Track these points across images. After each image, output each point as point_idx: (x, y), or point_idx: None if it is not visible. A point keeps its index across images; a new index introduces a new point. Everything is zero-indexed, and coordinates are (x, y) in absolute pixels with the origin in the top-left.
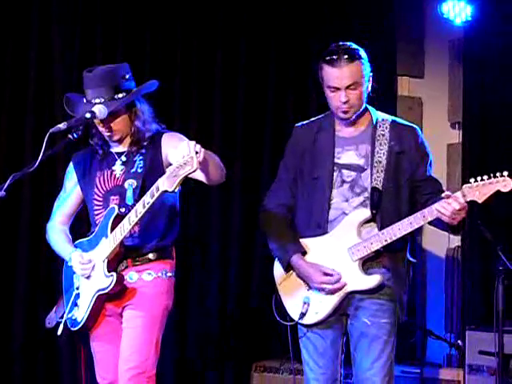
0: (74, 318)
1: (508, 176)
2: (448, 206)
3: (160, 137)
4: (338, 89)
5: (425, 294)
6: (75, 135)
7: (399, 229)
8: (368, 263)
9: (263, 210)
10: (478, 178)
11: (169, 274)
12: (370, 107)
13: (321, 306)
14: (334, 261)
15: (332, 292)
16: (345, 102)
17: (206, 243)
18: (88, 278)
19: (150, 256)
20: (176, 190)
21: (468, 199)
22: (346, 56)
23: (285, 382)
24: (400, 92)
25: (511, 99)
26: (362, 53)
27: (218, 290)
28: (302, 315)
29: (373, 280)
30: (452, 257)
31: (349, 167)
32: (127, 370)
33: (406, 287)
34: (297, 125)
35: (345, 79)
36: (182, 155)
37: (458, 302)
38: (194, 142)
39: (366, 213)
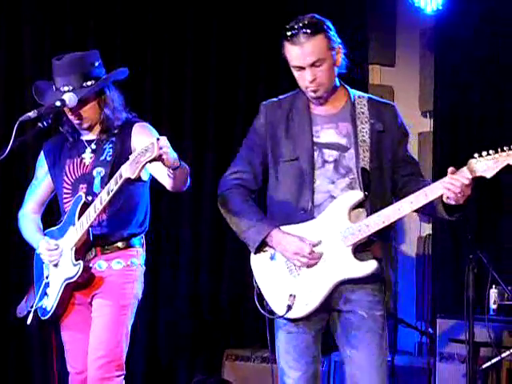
0: (43, 306)
1: None
2: (456, 182)
3: (131, 126)
4: (302, 68)
5: (396, 282)
6: (45, 123)
7: (399, 209)
8: (357, 253)
9: (224, 189)
10: (484, 153)
11: (138, 263)
12: (343, 83)
13: (311, 296)
14: (325, 247)
15: (310, 266)
16: (312, 81)
17: (177, 232)
18: (56, 265)
19: (119, 244)
20: (143, 178)
21: (477, 174)
22: (305, 31)
23: (256, 371)
24: (371, 81)
25: (481, 88)
26: (326, 24)
27: (189, 279)
28: (289, 308)
29: (369, 266)
30: (423, 245)
31: (330, 146)
32: (96, 358)
33: (393, 280)
34: (264, 103)
35: (307, 57)
36: (144, 143)
37: (429, 291)
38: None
39: (359, 195)
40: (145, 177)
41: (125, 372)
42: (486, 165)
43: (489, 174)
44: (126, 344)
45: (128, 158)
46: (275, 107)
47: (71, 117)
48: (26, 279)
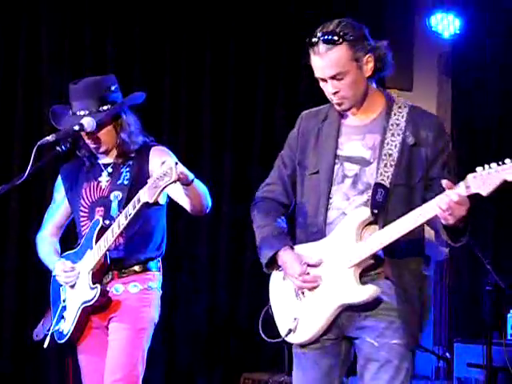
0: (60, 330)
1: None
2: (445, 198)
3: (148, 150)
4: (324, 79)
5: (426, 304)
6: (63, 147)
7: (402, 225)
8: (368, 274)
9: (254, 202)
10: (486, 167)
11: (155, 287)
12: (384, 90)
13: (311, 322)
14: (326, 269)
15: (308, 289)
16: (334, 94)
17: (195, 255)
18: (73, 287)
19: (136, 268)
20: (160, 202)
21: (472, 191)
22: (326, 38)
23: None
24: None
25: (498, 112)
26: (349, 31)
27: (207, 301)
28: (289, 332)
29: (365, 291)
30: (440, 268)
31: (352, 160)
32: (113, 381)
33: (417, 306)
34: (303, 112)
35: (326, 69)
36: (161, 167)
37: (446, 315)
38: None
39: (366, 212)
40: (162, 200)
41: None
42: (482, 180)
43: (484, 192)
44: (143, 367)
45: (146, 182)
46: (311, 117)
47: (88, 141)
48: (44, 302)
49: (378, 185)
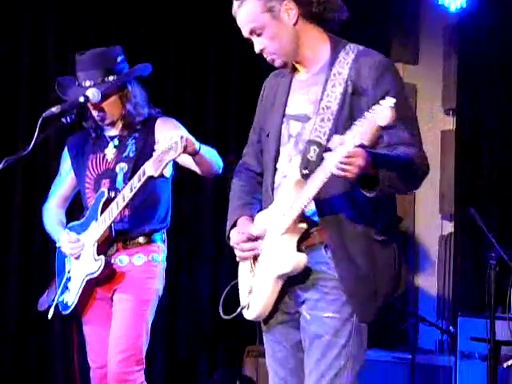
0: (65, 301)
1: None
2: (333, 153)
3: (154, 121)
4: (249, 39)
5: (417, 280)
6: (68, 119)
7: (316, 180)
8: (305, 242)
9: (235, 170)
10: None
11: (159, 259)
12: (333, 37)
13: (258, 297)
14: (269, 237)
15: (246, 260)
16: (261, 51)
17: (199, 229)
18: (77, 258)
19: (141, 240)
20: (165, 175)
21: (356, 143)
22: None
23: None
24: None
25: (505, 86)
26: None
27: (210, 276)
28: (242, 308)
29: (293, 260)
30: (444, 244)
31: (296, 117)
32: (117, 353)
33: (366, 274)
34: (271, 74)
35: (243, 27)
36: (167, 140)
37: (450, 289)
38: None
39: (296, 173)
40: (167, 173)
41: (144, 366)
42: (363, 128)
43: (365, 140)
44: (147, 339)
45: (152, 155)
46: (273, 77)
47: (94, 112)
48: (48, 273)
49: (310, 142)
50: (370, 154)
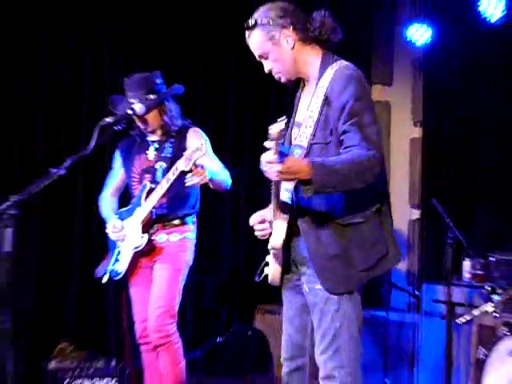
0: (116, 269)
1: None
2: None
3: (186, 130)
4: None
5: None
6: (119, 127)
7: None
8: (294, 226)
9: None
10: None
11: (190, 237)
12: (324, 55)
13: (269, 269)
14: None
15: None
16: (270, 72)
17: (221, 212)
18: (122, 240)
19: (176, 222)
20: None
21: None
22: (246, 28)
23: (281, 322)
24: (374, 97)
25: (460, 103)
26: (262, 14)
27: (230, 251)
28: (259, 273)
29: (277, 241)
30: (413, 226)
31: (296, 124)
32: (155, 308)
33: (334, 253)
34: None
35: (254, 52)
36: (195, 144)
37: (417, 262)
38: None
39: None
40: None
41: (176, 320)
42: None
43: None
44: (179, 299)
45: (183, 155)
46: (296, 91)
47: (139, 122)
48: (103, 248)
49: (295, 146)
50: (311, 161)
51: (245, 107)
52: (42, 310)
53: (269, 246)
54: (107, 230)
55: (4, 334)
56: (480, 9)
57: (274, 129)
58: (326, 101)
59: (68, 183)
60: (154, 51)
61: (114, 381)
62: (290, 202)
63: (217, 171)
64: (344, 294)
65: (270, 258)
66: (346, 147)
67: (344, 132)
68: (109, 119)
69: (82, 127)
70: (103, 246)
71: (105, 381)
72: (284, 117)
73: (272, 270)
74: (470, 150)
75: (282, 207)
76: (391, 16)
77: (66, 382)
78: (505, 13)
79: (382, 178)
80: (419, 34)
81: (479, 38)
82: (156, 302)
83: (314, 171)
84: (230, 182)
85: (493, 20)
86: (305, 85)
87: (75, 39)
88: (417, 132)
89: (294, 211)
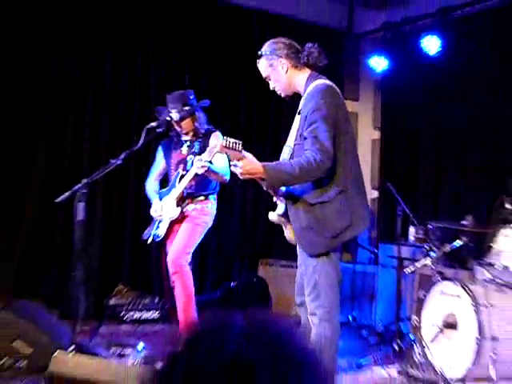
0: (157, 234)
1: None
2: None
3: (210, 133)
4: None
5: None
6: (160, 130)
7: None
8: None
9: None
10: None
11: (210, 207)
12: (309, 78)
13: (286, 230)
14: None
15: None
16: (273, 89)
17: (233, 191)
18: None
19: (201, 198)
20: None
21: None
22: (256, 57)
23: (279, 272)
24: None
25: (408, 113)
26: (266, 48)
27: (239, 220)
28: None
29: (274, 215)
30: (372, 203)
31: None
32: (175, 247)
33: (308, 226)
34: None
35: (262, 74)
36: (214, 143)
37: (376, 228)
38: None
39: None
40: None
41: (188, 259)
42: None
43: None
44: (194, 246)
45: (206, 150)
46: None
47: (176, 127)
48: (148, 218)
49: (287, 147)
50: (263, 165)
51: (252, 114)
52: (104, 261)
53: (274, 218)
54: (151, 211)
55: (78, 279)
56: (422, 45)
57: (228, 140)
58: (300, 113)
59: (123, 170)
60: (186, 72)
61: (156, 313)
62: (283, 191)
63: (219, 167)
64: (320, 255)
65: (283, 226)
66: (305, 149)
67: (305, 137)
68: (153, 124)
69: (133, 130)
70: (148, 217)
71: (150, 313)
72: (226, 137)
73: (287, 233)
74: (414, 148)
75: (278, 192)
76: (358, 49)
77: (122, 313)
78: (440, 49)
79: (349, 167)
80: (378, 63)
81: (422, 66)
82: (176, 243)
83: (266, 173)
84: (228, 176)
85: (431, 53)
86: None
87: (129, 63)
88: (376, 134)
89: (284, 196)
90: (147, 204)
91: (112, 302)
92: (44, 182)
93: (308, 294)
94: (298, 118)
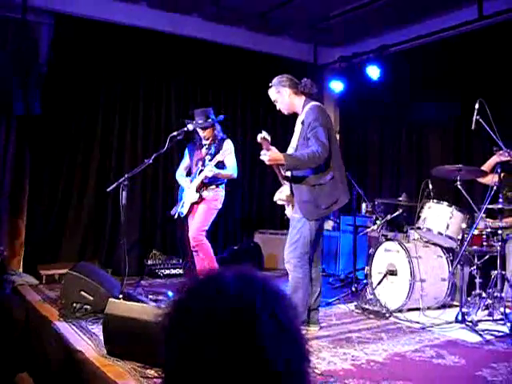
0: (181, 211)
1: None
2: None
3: (224, 140)
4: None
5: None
6: (180, 137)
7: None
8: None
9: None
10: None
11: (221, 194)
12: (306, 100)
13: (287, 208)
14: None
15: None
16: (279, 108)
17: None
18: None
19: (213, 186)
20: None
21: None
22: (269, 87)
23: (269, 239)
24: None
25: (358, 124)
26: (274, 80)
27: (241, 201)
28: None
29: (280, 195)
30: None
31: (294, 135)
32: (194, 226)
33: (307, 199)
34: None
35: (271, 98)
36: (226, 147)
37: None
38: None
39: None
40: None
41: (205, 234)
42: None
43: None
44: (208, 224)
45: (219, 152)
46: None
47: (200, 133)
48: (174, 199)
49: (291, 148)
50: (284, 154)
51: (259, 127)
52: (142, 233)
53: (283, 197)
54: (185, 187)
55: (122, 248)
56: (367, 73)
57: (259, 136)
58: (302, 123)
59: (154, 167)
60: (208, 93)
61: (181, 270)
62: (289, 175)
63: (228, 166)
64: (308, 221)
65: (285, 205)
66: (309, 146)
67: (309, 138)
68: (174, 133)
69: (161, 138)
70: (174, 197)
71: (176, 270)
72: (263, 131)
73: (287, 210)
74: (363, 146)
75: (285, 178)
76: (322, 76)
77: (156, 269)
78: (379, 75)
79: (336, 162)
80: (336, 86)
81: (367, 88)
82: (194, 223)
83: (285, 159)
84: (235, 173)
85: (374, 78)
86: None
87: (162, 90)
88: (337, 137)
89: (290, 179)
90: (172, 191)
91: (149, 262)
92: (98, 177)
93: (288, 248)
94: (298, 128)
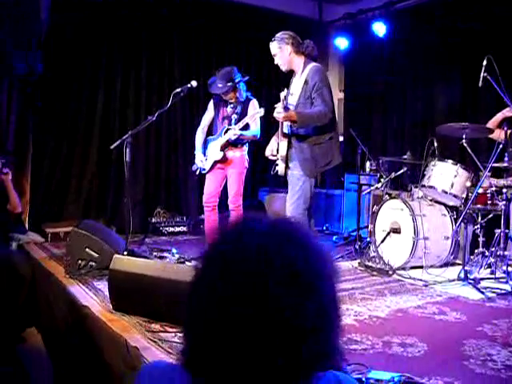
0: (203, 167)
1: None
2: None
3: (249, 101)
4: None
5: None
6: (182, 94)
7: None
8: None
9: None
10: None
11: (246, 154)
12: (306, 60)
13: (280, 165)
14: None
15: None
16: (277, 63)
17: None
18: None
19: (239, 146)
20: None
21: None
22: (271, 41)
23: (271, 196)
24: None
25: (362, 80)
26: (278, 35)
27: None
28: (273, 170)
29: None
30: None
31: (291, 95)
32: (233, 195)
33: (309, 157)
34: None
35: (271, 52)
36: (253, 110)
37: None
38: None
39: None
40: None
41: (242, 196)
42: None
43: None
44: (242, 189)
45: (247, 113)
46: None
47: (223, 97)
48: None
49: (290, 104)
50: (296, 112)
51: (263, 84)
52: (147, 190)
53: (278, 156)
54: (196, 161)
55: (126, 206)
56: (373, 30)
57: (282, 94)
58: (305, 82)
59: (157, 124)
60: (211, 51)
61: (185, 228)
62: (288, 131)
63: (253, 129)
64: (309, 178)
65: (279, 162)
66: (314, 106)
67: (314, 97)
68: (178, 90)
69: (164, 95)
70: (178, 158)
71: (180, 228)
72: (286, 89)
73: (280, 168)
74: (368, 104)
75: (284, 134)
76: (327, 33)
77: (161, 227)
78: (386, 32)
79: (334, 121)
80: (342, 43)
81: (373, 45)
82: (231, 190)
83: (298, 116)
84: (258, 135)
85: (380, 35)
86: (295, 74)
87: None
88: (341, 95)
89: (289, 136)
90: (176, 149)
91: (153, 220)
92: (102, 134)
93: (290, 205)
94: (299, 87)
